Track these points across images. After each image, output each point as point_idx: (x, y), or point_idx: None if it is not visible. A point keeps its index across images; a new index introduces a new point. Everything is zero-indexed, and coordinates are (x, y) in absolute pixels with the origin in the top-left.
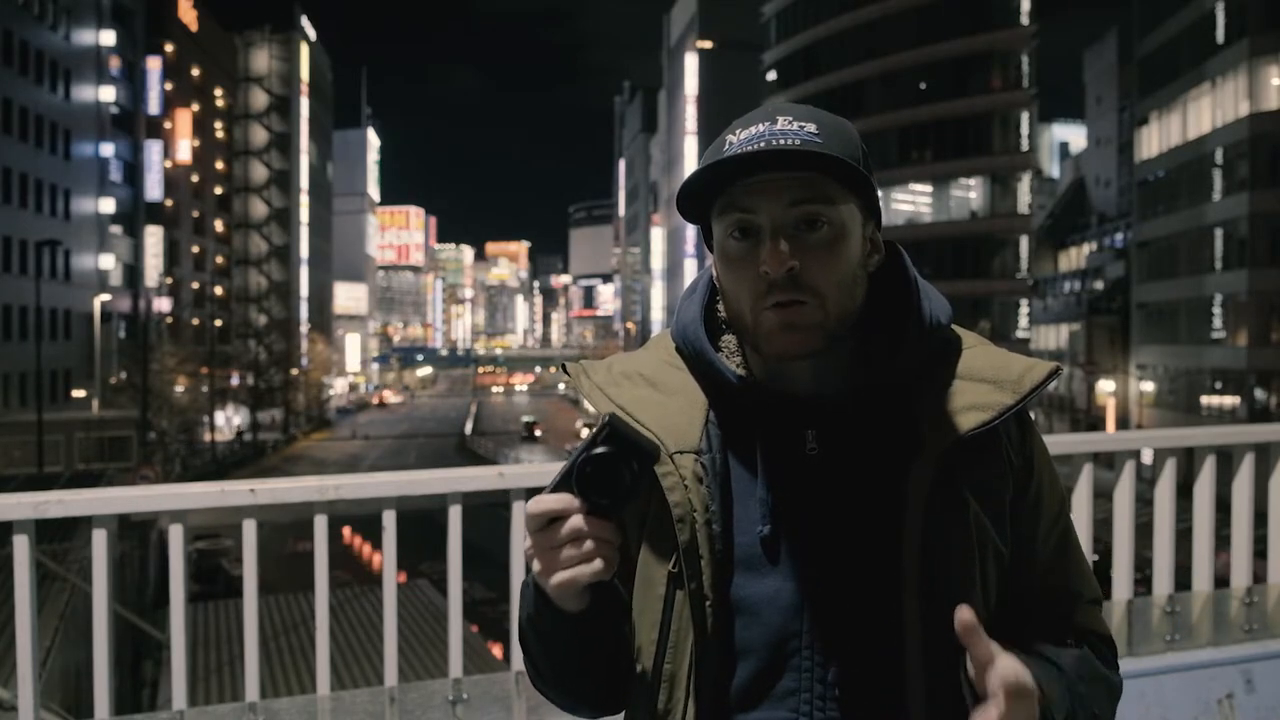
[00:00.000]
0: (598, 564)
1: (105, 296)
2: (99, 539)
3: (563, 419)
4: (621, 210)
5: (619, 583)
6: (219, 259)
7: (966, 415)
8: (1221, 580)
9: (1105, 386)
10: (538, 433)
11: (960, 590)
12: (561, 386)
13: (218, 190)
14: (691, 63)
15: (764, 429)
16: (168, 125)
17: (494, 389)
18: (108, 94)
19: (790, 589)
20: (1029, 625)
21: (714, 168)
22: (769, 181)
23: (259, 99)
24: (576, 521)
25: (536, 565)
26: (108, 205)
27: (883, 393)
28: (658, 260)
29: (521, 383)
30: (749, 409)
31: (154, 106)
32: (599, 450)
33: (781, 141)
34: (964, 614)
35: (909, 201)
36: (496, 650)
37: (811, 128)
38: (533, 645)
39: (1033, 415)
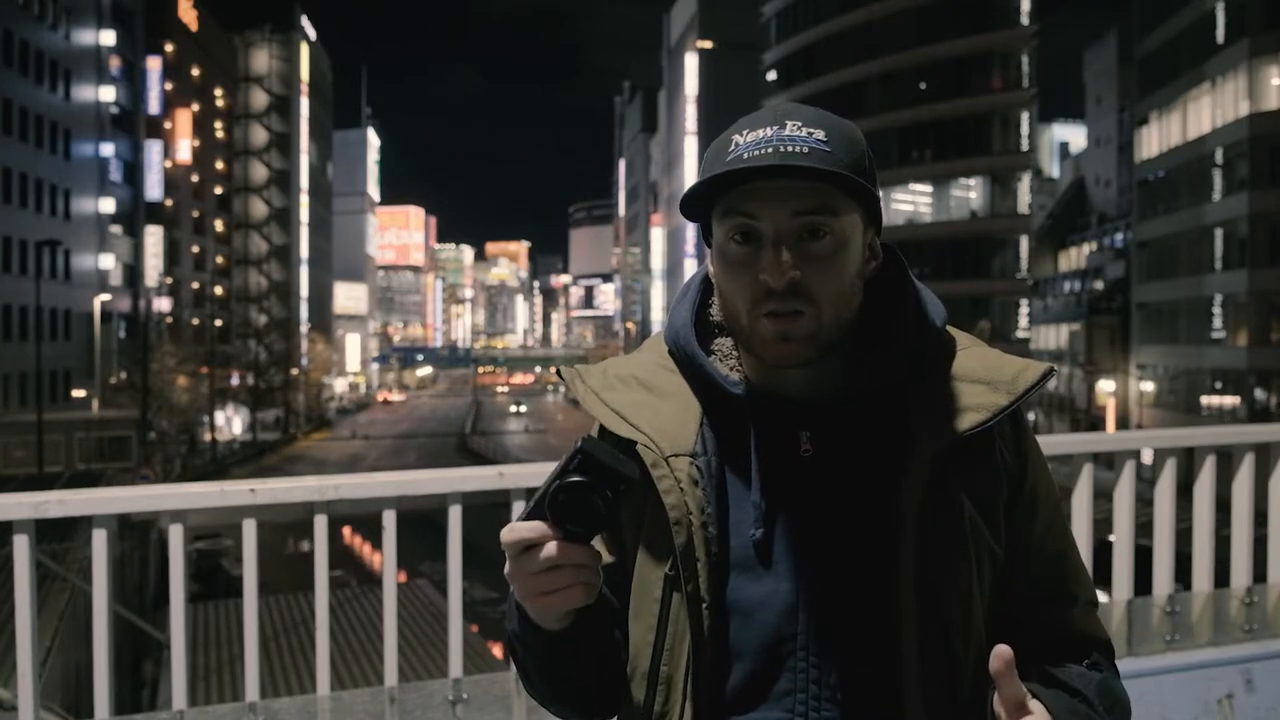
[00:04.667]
0: (575, 592)
1: (105, 296)
2: (99, 539)
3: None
4: (621, 210)
5: (608, 592)
6: (219, 259)
7: (961, 417)
8: (1221, 580)
9: (1105, 386)
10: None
11: (955, 592)
12: (550, 396)
13: (218, 190)
14: (691, 63)
15: (758, 432)
16: (168, 125)
17: (497, 389)
18: (108, 94)
19: (785, 591)
20: (1026, 628)
21: (720, 178)
22: (774, 188)
23: (259, 99)
24: (551, 550)
25: (516, 589)
26: (108, 205)
27: (877, 395)
28: (658, 260)
29: (521, 383)
30: (743, 412)
31: (154, 106)
32: (572, 479)
33: (790, 148)
34: (1002, 652)
35: (909, 201)
36: (496, 650)
37: (820, 135)
38: (521, 656)
39: (1030, 417)
